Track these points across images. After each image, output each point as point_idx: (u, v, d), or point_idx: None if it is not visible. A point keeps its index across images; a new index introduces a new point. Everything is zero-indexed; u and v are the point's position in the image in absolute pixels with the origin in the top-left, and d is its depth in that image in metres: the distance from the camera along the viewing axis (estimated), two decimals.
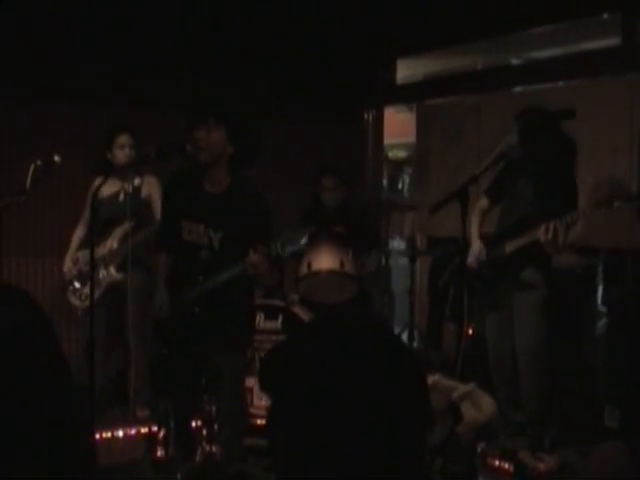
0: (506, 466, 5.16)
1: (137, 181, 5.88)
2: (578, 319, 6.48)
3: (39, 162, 5.48)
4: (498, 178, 5.60)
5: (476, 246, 5.53)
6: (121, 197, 5.98)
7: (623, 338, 5.79)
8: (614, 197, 5.01)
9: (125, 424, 5.60)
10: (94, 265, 4.63)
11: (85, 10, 6.68)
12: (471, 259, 5.49)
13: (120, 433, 5.50)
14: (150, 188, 6.02)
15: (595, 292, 6.65)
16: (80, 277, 6.05)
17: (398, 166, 10.37)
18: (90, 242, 4.61)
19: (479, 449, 4.74)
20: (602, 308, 6.47)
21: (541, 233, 5.10)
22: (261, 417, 5.53)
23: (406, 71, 8.30)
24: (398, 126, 9.05)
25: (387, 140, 8.78)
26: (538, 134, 5.27)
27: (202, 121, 4.36)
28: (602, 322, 6.40)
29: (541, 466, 5.16)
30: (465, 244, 5.31)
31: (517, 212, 5.44)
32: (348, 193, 6.55)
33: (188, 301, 4.44)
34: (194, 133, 4.36)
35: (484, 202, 5.68)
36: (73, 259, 6.13)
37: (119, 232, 5.93)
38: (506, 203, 5.61)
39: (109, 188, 5.83)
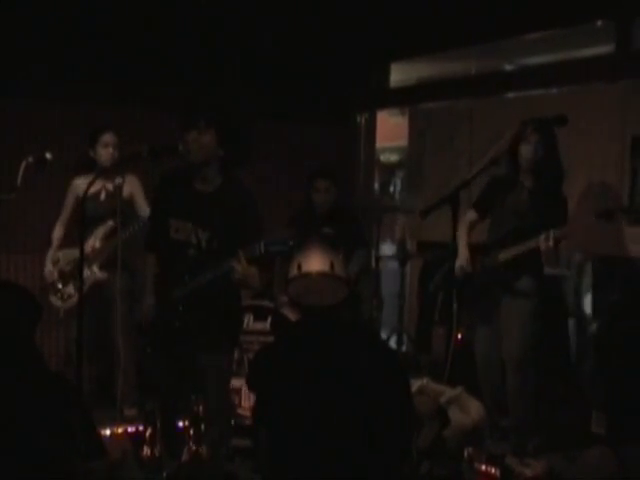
0: (492, 471, 5.15)
1: (118, 180, 5.85)
2: (565, 326, 6.49)
3: (30, 159, 5.47)
4: (486, 192, 5.61)
5: (463, 256, 5.54)
6: (102, 196, 5.97)
7: (611, 344, 5.79)
8: (616, 209, 5.05)
9: (112, 423, 5.58)
10: (82, 265, 4.59)
11: (79, 11, 6.67)
12: (457, 268, 5.50)
13: (107, 432, 5.48)
14: (132, 187, 6.02)
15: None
16: (62, 277, 6.03)
17: (390, 170, 10.36)
18: (80, 242, 4.57)
19: (466, 453, 4.74)
20: (589, 314, 6.49)
21: (542, 242, 5.14)
22: (249, 418, 5.52)
23: (399, 75, 8.30)
24: (391, 130, 9.05)
25: (379, 143, 8.78)
26: (528, 139, 5.28)
27: (193, 124, 4.38)
28: (590, 329, 6.41)
29: (528, 471, 5.15)
30: (455, 249, 5.33)
31: (509, 223, 5.45)
32: (339, 196, 6.55)
33: (175, 299, 4.44)
34: (185, 135, 4.38)
35: (472, 215, 5.68)
36: (53, 260, 6.11)
37: (101, 231, 5.92)
38: (495, 216, 5.61)
39: (91, 187, 5.83)
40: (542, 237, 5.15)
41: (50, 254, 6.13)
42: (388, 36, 7.78)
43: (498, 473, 5.13)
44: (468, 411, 4.49)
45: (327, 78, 7.84)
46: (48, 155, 5.51)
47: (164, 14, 7.02)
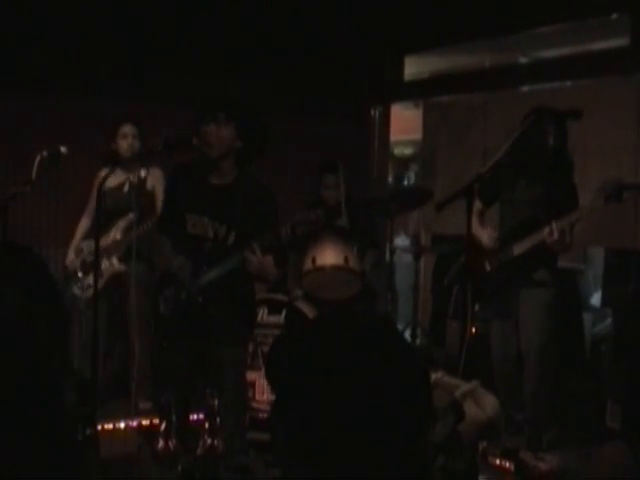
0: (507, 465, 5.15)
1: (143, 173, 5.87)
2: (580, 318, 6.48)
3: (45, 153, 5.48)
4: (491, 181, 5.58)
5: (486, 234, 5.53)
6: (126, 188, 5.98)
7: (626, 338, 5.78)
8: (622, 188, 5.02)
9: (127, 416, 5.59)
10: (98, 257, 4.62)
11: (91, 6, 6.69)
12: (487, 241, 5.49)
13: (121, 425, 5.50)
14: (155, 180, 6.01)
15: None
16: (83, 267, 6.05)
17: (404, 163, 10.37)
18: (96, 234, 4.60)
19: (481, 448, 4.73)
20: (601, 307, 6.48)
21: (546, 235, 5.13)
22: (263, 411, 5.53)
23: (413, 68, 8.29)
24: (404, 123, 9.04)
25: (393, 137, 8.78)
26: (544, 129, 5.26)
27: (212, 117, 4.37)
28: (606, 322, 6.40)
29: (542, 466, 5.15)
30: (470, 242, 5.31)
31: (520, 214, 5.43)
32: (349, 190, 6.53)
33: (193, 291, 4.44)
34: (203, 128, 4.36)
35: (478, 205, 5.66)
36: (77, 250, 6.12)
37: (122, 223, 5.93)
38: (505, 207, 5.60)
39: (114, 179, 5.82)
40: (546, 230, 5.15)
41: (74, 244, 6.15)
42: (402, 29, 7.77)
43: (512, 467, 5.13)
44: (483, 405, 4.47)
45: (341, 72, 7.83)
46: (63, 149, 5.51)
47: (181, 9, 7.03)
